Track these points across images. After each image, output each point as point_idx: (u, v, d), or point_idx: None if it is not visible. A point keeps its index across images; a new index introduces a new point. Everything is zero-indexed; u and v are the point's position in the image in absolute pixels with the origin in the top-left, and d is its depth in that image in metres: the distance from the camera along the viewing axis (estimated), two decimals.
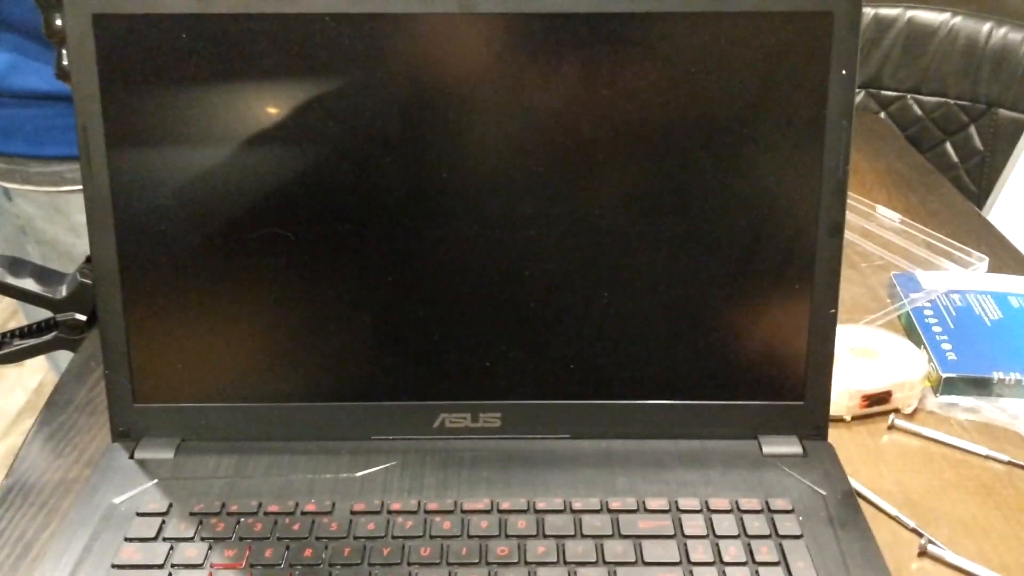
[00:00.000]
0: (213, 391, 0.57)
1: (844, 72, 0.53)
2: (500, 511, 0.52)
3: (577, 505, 0.53)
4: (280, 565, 0.49)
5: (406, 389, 0.58)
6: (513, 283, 0.56)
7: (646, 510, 0.53)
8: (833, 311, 0.57)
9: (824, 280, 0.56)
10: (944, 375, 0.67)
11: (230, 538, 0.51)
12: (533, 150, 0.54)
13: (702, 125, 0.54)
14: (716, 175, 0.55)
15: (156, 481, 0.54)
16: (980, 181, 1.49)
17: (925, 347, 0.70)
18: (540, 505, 0.53)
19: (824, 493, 0.54)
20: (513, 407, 0.58)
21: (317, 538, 0.51)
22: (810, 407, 0.57)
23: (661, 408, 0.58)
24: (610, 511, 0.53)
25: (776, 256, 0.56)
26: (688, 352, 0.57)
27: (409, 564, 0.49)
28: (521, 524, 0.52)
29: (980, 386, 0.67)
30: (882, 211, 0.89)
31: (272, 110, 0.53)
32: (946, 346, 0.70)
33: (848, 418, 0.65)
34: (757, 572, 0.49)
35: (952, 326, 0.73)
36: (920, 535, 0.55)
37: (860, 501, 0.54)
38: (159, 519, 0.52)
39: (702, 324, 0.57)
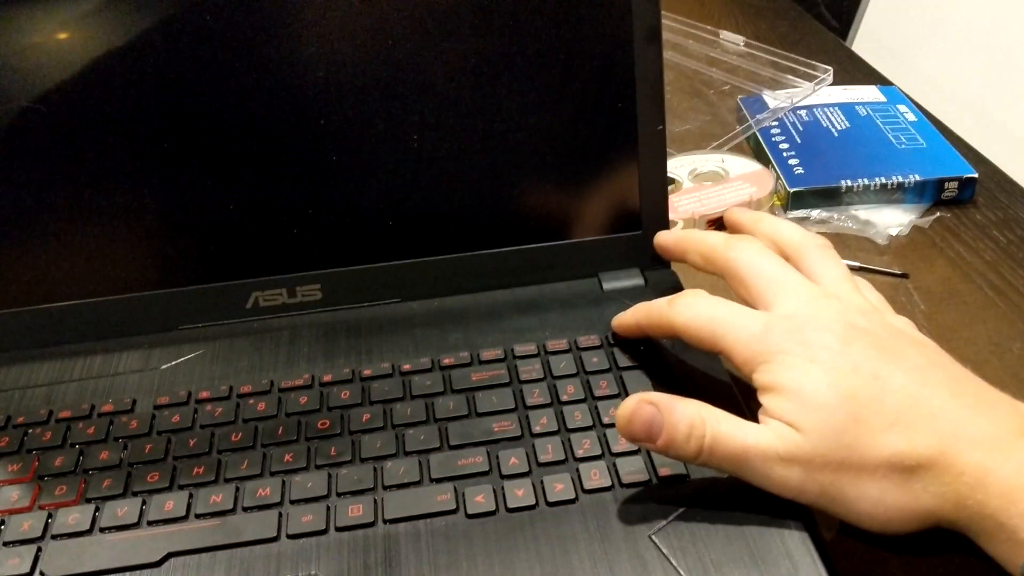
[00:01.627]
0: None
1: None
2: (321, 384, 0.48)
3: (406, 367, 0.49)
4: (73, 472, 0.44)
5: (211, 270, 0.52)
6: (313, 138, 0.50)
7: (480, 362, 0.49)
8: (660, 127, 0.53)
9: (647, 93, 0.52)
10: (792, 190, 0.64)
11: (17, 452, 0.45)
12: None
13: None
14: None
15: None
16: (841, 15, 1.46)
17: (773, 166, 0.67)
18: (365, 373, 0.48)
19: None
20: (333, 276, 0.53)
21: (115, 439, 0.45)
22: (648, 235, 0.54)
23: (492, 257, 0.54)
24: (442, 368, 0.48)
25: (593, 74, 0.51)
26: (513, 193, 0.53)
27: (219, 452, 0.44)
28: (344, 395, 0.47)
29: (828, 197, 0.64)
30: (726, 36, 0.85)
31: None
32: (793, 161, 0.67)
33: None
34: (596, 407, 0.45)
35: (799, 141, 0.70)
36: None
37: None
38: None
39: (525, 161, 0.52)
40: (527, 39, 0.50)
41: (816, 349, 0.39)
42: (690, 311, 0.43)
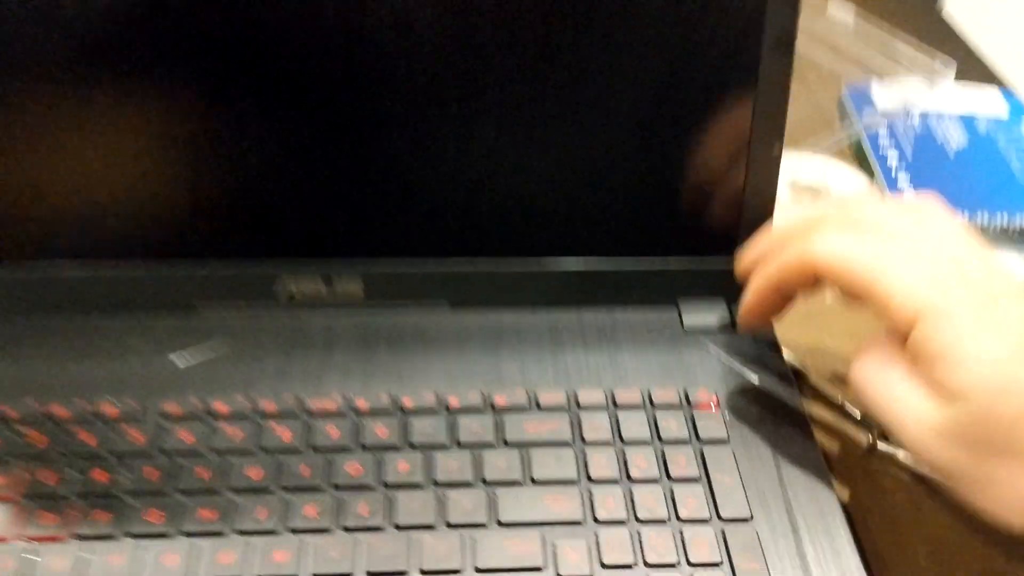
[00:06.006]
0: None
1: None
2: (355, 412, 0.42)
3: (453, 402, 0.42)
4: (67, 498, 0.38)
5: (238, 244, 0.45)
6: (380, 110, 0.42)
7: (538, 407, 0.42)
8: (778, 147, 0.45)
9: (768, 107, 0.44)
10: None
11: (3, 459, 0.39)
12: None
13: None
14: None
15: None
16: None
17: (879, 181, 0.59)
18: (406, 403, 0.42)
19: (755, 379, 0.44)
20: (376, 268, 0.46)
21: (116, 455, 0.39)
22: None
23: (560, 265, 0.46)
24: (494, 410, 0.42)
25: (709, 73, 0.43)
26: (594, 194, 0.45)
27: (234, 491, 0.38)
28: (380, 431, 0.41)
29: None
30: (834, 10, 0.75)
31: None
32: (903, 181, 0.59)
33: None
34: (672, 491, 0.39)
35: (910, 158, 0.61)
36: (869, 428, 0.46)
37: (799, 383, 0.44)
38: None
39: (612, 159, 0.44)
40: (641, 24, 0.42)
41: (996, 312, 0.33)
42: (836, 247, 0.36)
